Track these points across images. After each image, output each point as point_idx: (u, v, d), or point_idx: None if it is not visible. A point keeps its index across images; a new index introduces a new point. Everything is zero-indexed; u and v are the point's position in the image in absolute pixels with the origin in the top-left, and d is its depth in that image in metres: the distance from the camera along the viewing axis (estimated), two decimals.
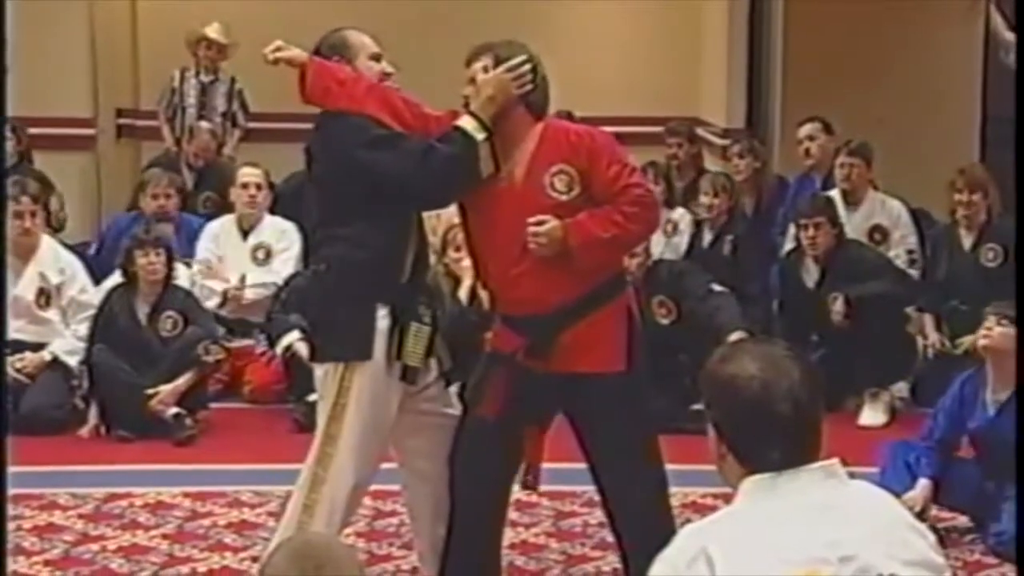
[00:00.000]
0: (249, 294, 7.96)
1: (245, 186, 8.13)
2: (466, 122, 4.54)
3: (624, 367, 4.59)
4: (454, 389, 4.90)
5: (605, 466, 4.72)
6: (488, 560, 4.88)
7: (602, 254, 4.57)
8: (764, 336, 2.79)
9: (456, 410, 4.84)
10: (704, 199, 8.35)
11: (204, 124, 9.67)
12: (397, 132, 4.54)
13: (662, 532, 4.29)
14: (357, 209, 4.56)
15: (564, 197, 4.53)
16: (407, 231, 4.64)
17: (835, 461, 2.53)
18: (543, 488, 6.01)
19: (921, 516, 5.68)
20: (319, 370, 4.71)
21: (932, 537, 2.58)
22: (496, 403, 4.61)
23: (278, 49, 4.67)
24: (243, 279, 7.96)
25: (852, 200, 8.25)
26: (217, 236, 8.24)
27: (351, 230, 4.57)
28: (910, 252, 8.19)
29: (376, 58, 4.74)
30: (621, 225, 4.52)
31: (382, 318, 4.57)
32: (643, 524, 4.63)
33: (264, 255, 8.12)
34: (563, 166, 4.55)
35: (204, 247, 8.20)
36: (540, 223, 4.49)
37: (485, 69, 4.59)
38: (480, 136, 4.52)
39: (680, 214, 8.76)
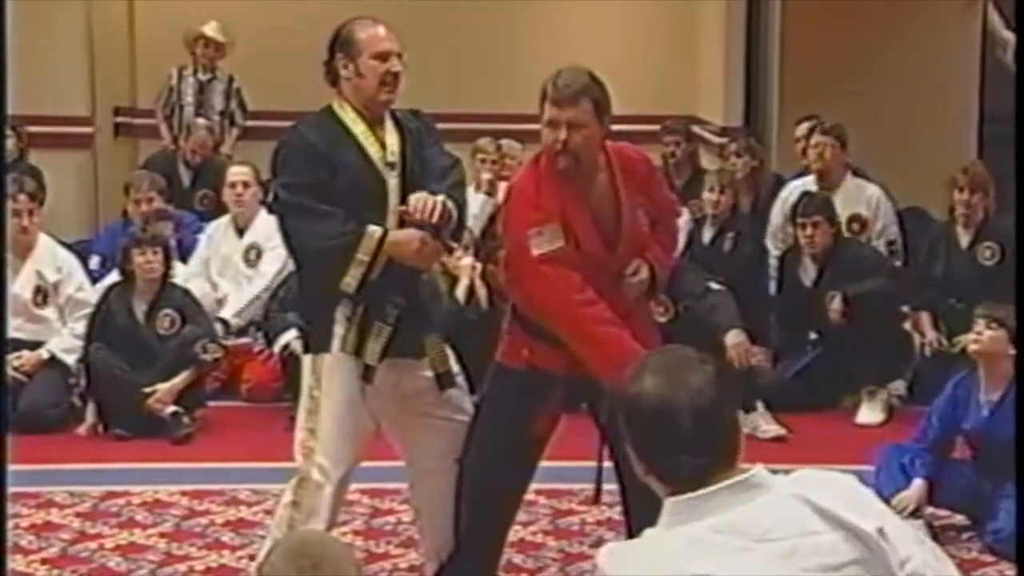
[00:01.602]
0: (242, 320, 7.96)
1: (232, 185, 8.13)
2: (370, 235, 4.52)
3: None
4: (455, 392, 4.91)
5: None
6: (493, 565, 4.93)
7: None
8: (670, 347, 2.74)
9: (458, 412, 4.86)
10: (710, 195, 8.31)
11: (201, 121, 9.68)
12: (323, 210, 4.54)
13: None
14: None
15: (646, 230, 4.64)
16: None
17: (755, 470, 2.48)
18: (540, 486, 6.06)
19: (915, 515, 5.70)
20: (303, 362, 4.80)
21: (871, 525, 2.45)
22: (548, 423, 4.66)
23: None
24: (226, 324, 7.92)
25: (827, 185, 8.15)
26: (211, 237, 8.26)
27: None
28: (890, 244, 8.14)
29: (382, 57, 4.64)
30: (676, 246, 4.83)
31: (343, 312, 4.60)
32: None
33: (255, 255, 8.11)
34: (642, 198, 4.61)
35: (200, 249, 8.23)
36: (635, 272, 4.58)
37: (587, 120, 4.50)
38: (361, 254, 4.51)
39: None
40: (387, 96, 4.67)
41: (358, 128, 4.67)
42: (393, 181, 4.69)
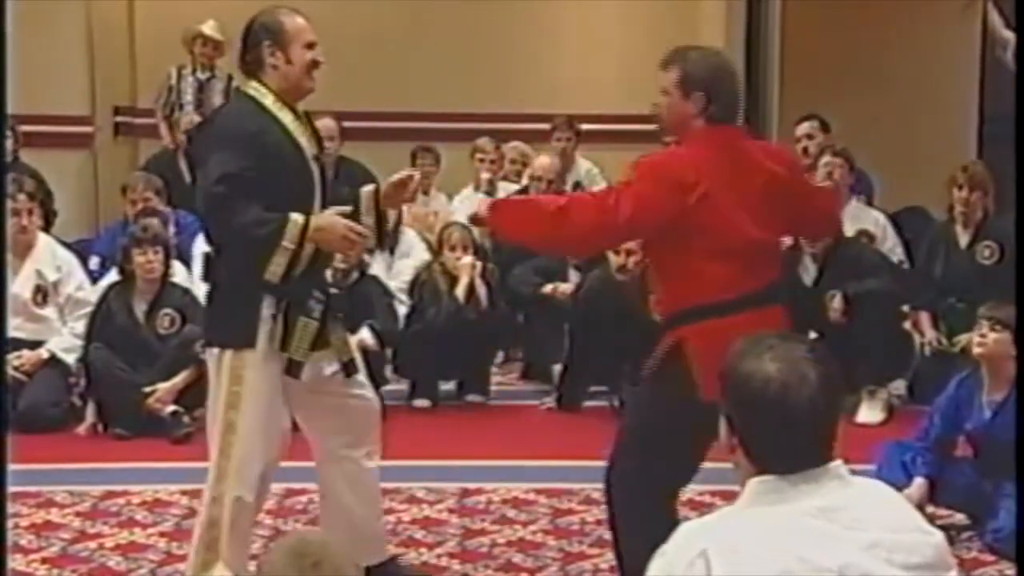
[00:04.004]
0: None
1: None
2: (294, 221, 4.54)
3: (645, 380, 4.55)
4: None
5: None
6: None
7: (525, 228, 4.57)
8: (787, 332, 2.70)
9: (367, 393, 4.93)
10: None
11: (190, 110, 9.75)
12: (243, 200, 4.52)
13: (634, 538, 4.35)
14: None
15: None
16: None
17: (839, 462, 2.51)
18: (540, 486, 6.06)
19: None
20: (209, 357, 4.76)
21: (939, 535, 2.56)
22: None
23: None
24: None
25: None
26: None
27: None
28: (901, 263, 8.20)
29: (310, 46, 4.70)
30: (552, 205, 4.50)
31: (268, 307, 4.61)
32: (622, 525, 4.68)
33: None
34: None
35: (201, 248, 8.18)
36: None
37: (670, 89, 4.50)
38: (286, 242, 4.51)
39: None
40: (312, 84, 4.74)
41: (286, 118, 4.70)
42: (317, 174, 4.76)
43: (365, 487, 5.00)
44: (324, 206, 4.73)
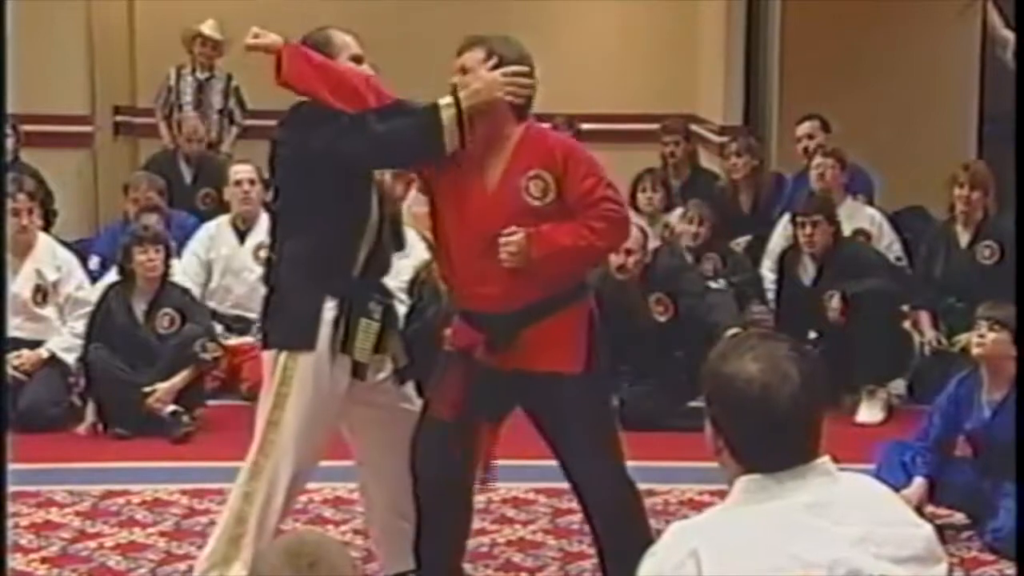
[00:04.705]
0: None
1: (238, 183, 8.10)
2: (443, 99, 4.59)
3: (582, 368, 4.59)
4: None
5: (571, 466, 4.76)
6: (455, 559, 4.95)
7: (565, 265, 4.59)
8: (767, 331, 2.71)
9: (414, 404, 4.91)
10: (689, 227, 8.21)
11: (190, 112, 9.72)
12: (358, 115, 4.59)
13: (633, 528, 4.42)
14: (313, 201, 4.62)
15: (537, 203, 4.54)
16: (361, 227, 4.68)
17: (826, 458, 2.52)
18: (540, 485, 6.06)
19: (917, 514, 5.71)
20: (265, 356, 4.76)
21: (928, 528, 2.57)
22: (453, 402, 4.63)
23: (256, 36, 4.76)
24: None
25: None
26: (214, 238, 8.19)
27: (305, 221, 4.64)
28: (898, 259, 8.20)
29: (357, 59, 4.80)
30: (587, 239, 4.54)
31: (329, 310, 4.63)
32: (615, 522, 4.70)
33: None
34: (540, 171, 4.56)
35: (193, 251, 8.13)
36: (510, 234, 4.50)
37: (474, 66, 4.61)
38: (446, 107, 4.55)
39: (677, 217, 8.72)
40: None
41: None
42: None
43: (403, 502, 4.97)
44: (379, 202, 4.79)
